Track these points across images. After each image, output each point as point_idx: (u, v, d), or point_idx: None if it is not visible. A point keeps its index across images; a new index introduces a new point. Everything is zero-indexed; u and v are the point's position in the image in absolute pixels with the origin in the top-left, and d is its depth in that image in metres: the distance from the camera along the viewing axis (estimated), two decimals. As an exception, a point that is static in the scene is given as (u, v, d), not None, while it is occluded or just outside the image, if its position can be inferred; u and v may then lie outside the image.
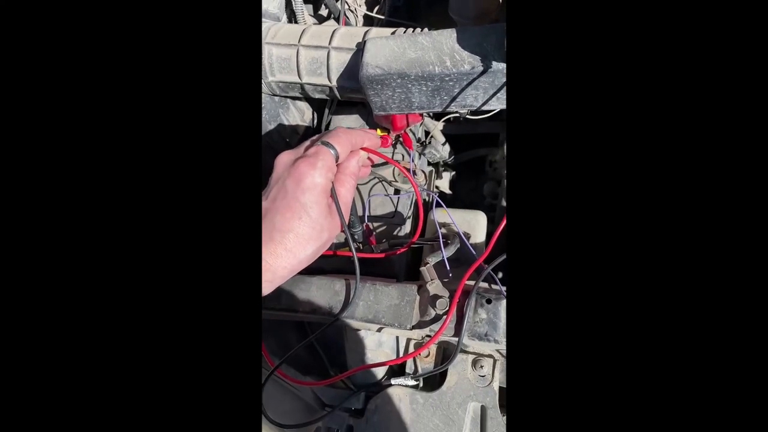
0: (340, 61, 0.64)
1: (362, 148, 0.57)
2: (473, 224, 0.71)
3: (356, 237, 0.64)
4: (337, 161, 0.52)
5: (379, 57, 0.57)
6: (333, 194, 0.51)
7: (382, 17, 0.78)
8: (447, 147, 0.86)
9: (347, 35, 0.65)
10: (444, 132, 0.85)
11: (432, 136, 0.80)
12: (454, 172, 1.11)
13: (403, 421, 0.63)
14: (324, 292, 0.62)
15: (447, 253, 0.62)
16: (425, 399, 0.63)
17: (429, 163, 0.96)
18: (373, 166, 0.71)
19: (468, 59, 0.53)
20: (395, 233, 0.72)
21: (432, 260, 0.60)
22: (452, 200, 1.18)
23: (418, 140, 0.79)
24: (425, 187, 0.78)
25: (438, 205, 0.69)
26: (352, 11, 0.78)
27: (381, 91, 0.58)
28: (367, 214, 0.72)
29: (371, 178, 0.75)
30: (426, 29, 0.60)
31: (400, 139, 0.74)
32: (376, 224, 0.73)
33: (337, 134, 0.53)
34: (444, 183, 1.09)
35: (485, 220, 0.72)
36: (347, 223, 0.55)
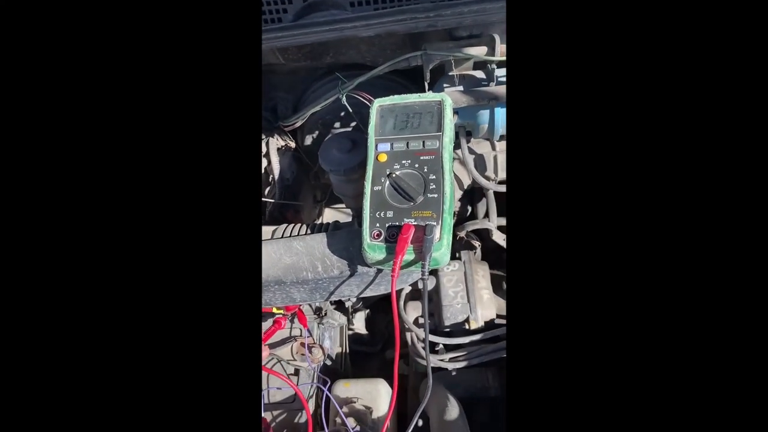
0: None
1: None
2: (374, 395, 0.72)
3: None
4: None
5: (258, 263, 0.61)
6: None
7: (272, 200, 0.85)
8: (343, 316, 0.90)
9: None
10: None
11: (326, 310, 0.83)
12: (368, 310, 1.14)
13: None
14: None
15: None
16: None
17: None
18: (270, 347, 0.71)
19: (337, 264, 0.59)
20: (296, 420, 0.70)
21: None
22: (369, 339, 1.19)
23: (316, 311, 0.82)
24: (323, 361, 0.79)
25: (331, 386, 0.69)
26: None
27: (262, 294, 0.62)
28: (264, 402, 0.70)
29: (270, 359, 0.75)
30: (302, 230, 0.66)
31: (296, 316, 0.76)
32: (275, 412, 0.71)
33: None
34: (359, 323, 1.11)
35: (387, 389, 0.74)
36: None
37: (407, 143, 0.58)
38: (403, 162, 0.57)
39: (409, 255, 0.52)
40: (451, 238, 0.54)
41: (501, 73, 0.67)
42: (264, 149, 0.86)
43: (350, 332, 1.06)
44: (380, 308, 1.22)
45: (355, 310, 1.08)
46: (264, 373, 0.74)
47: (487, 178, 0.80)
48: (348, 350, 1.01)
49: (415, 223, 0.53)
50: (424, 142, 0.57)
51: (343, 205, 1.34)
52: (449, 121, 0.58)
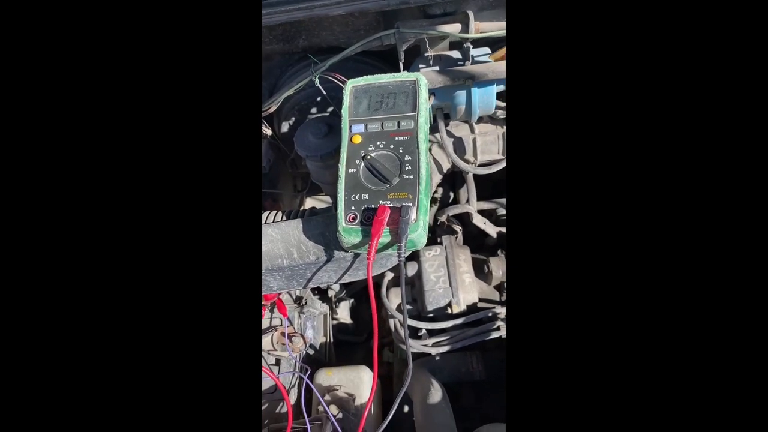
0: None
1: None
2: (357, 383, 0.72)
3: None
4: None
5: (232, 251, 0.59)
6: None
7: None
8: (325, 305, 0.88)
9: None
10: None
11: (306, 298, 0.82)
12: (352, 300, 1.12)
13: None
14: None
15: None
16: None
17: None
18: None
19: (313, 250, 0.57)
20: (278, 410, 0.69)
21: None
22: (354, 329, 1.18)
23: (296, 300, 0.80)
24: (305, 350, 0.78)
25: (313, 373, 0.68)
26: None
27: (237, 282, 0.60)
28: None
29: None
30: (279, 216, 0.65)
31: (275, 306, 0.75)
32: (257, 403, 0.70)
33: None
34: (344, 312, 1.10)
35: (369, 375, 0.73)
36: None
37: (382, 124, 0.56)
38: (378, 143, 0.56)
39: (385, 237, 0.51)
40: (428, 220, 0.53)
41: (477, 52, 0.66)
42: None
43: (334, 322, 1.05)
44: (364, 297, 1.20)
45: (339, 300, 1.07)
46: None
47: (467, 162, 0.79)
48: (332, 340, 1.00)
49: (391, 205, 0.52)
50: (399, 122, 0.56)
51: (326, 195, 1.32)
52: (424, 100, 0.57)
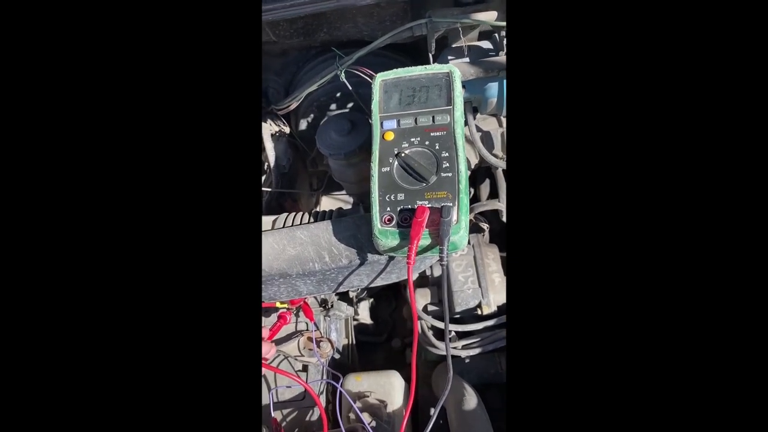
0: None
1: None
2: (388, 389, 0.69)
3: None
4: None
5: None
6: None
7: (269, 189, 0.81)
8: (351, 307, 0.86)
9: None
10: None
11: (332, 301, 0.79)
12: (371, 299, 1.10)
13: None
14: None
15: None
16: None
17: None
18: (277, 343, 0.67)
19: (345, 253, 0.55)
20: (307, 418, 0.66)
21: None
22: (374, 329, 1.16)
23: (321, 303, 0.78)
24: (332, 355, 0.75)
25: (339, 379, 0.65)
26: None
27: (266, 288, 0.58)
28: (273, 402, 0.66)
29: (276, 356, 0.71)
30: (306, 219, 0.62)
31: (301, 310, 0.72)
32: (285, 411, 0.67)
33: None
34: (364, 312, 1.08)
35: (400, 381, 0.70)
36: None
37: (415, 119, 0.53)
38: (412, 140, 0.53)
39: (424, 240, 0.49)
40: (468, 220, 0.50)
41: (509, 41, 0.63)
42: (257, 135, 0.80)
43: (355, 323, 1.03)
44: (384, 297, 1.18)
45: (359, 300, 1.04)
46: (272, 372, 0.70)
47: (495, 157, 0.77)
48: (354, 342, 0.97)
49: (430, 206, 0.49)
50: (433, 117, 0.53)
51: (342, 193, 1.29)
52: (459, 93, 0.54)
